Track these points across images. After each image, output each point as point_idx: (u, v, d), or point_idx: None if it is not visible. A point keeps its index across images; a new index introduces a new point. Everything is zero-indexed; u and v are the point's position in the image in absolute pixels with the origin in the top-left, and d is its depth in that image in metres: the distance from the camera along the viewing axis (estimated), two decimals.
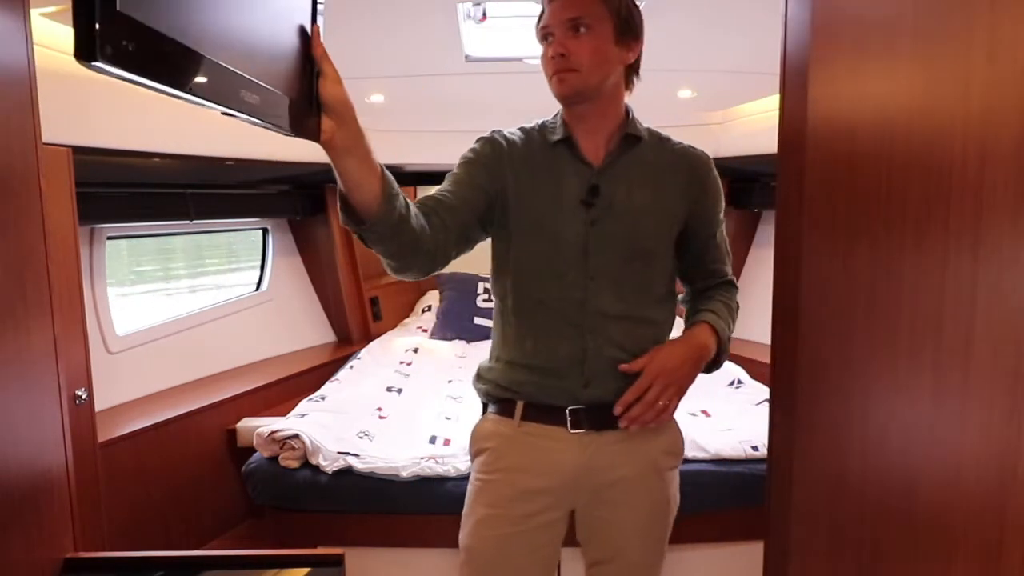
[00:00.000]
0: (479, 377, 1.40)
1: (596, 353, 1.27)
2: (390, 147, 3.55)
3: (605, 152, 1.30)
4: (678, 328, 1.38)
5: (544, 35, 1.26)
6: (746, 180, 3.75)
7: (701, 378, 3.20)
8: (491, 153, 1.30)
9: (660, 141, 1.36)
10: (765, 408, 2.28)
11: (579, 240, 1.26)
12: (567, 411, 1.28)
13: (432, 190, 1.29)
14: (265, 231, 3.78)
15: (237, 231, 3.75)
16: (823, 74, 0.82)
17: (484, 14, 2.03)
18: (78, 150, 1.99)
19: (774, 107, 1.23)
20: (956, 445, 0.58)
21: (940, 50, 0.60)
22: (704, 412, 2.52)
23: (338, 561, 1.12)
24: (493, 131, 1.35)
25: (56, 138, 1.88)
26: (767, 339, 1.04)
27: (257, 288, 3.75)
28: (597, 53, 1.23)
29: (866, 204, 0.72)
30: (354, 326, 4.02)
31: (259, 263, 3.80)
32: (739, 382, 2.87)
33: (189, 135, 2.55)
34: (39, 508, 1.06)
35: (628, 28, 1.27)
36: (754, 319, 3.84)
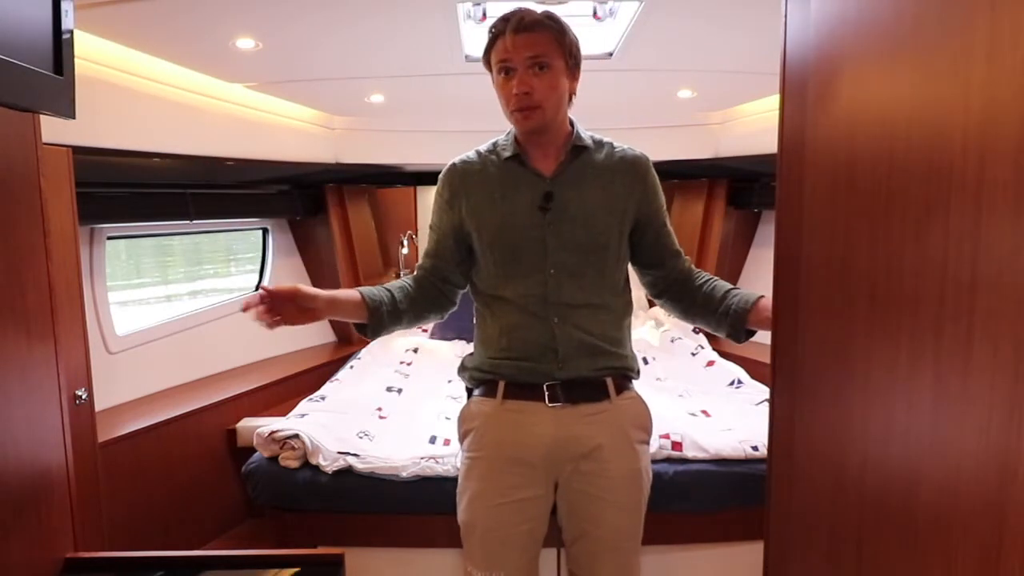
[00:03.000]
0: (463, 367, 1.55)
1: (565, 338, 1.41)
2: (390, 147, 3.55)
3: (556, 163, 1.43)
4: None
5: (503, 68, 1.36)
6: (746, 180, 3.74)
7: (701, 378, 3.18)
8: (448, 192, 1.48)
9: (603, 146, 1.48)
10: (765, 408, 2.28)
11: (538, 241, 1.40)
12: (544, 387, 1.41)
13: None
14: (265, 231, 3.78)
15: (237, 231, 3.75)
16: (823, 74, 0.82)
17: (484, 14, 2.03)
18: (78, 150, 1.99)
19: (774, 107, 1.24)
20: (956, 445, 0.58)
21: (940, 50, 0.60)
22: (704, 412, 2.51)
23: (338, 561, 1.12)
24: (452, 162, 1.50)
25: (56, 138, 1.88)
26: (767, 339, 1.04)
27: (257, 288, 3.75)
28: (555, 90, 1.37)
29: (866, 204, 0.72)
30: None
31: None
32: (739, 382, 2.87)
33: (189, 135, 2.55)
34: (39, 508, 1.06)
35: (575, 62, 1.41)
36: None
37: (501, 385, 1.44)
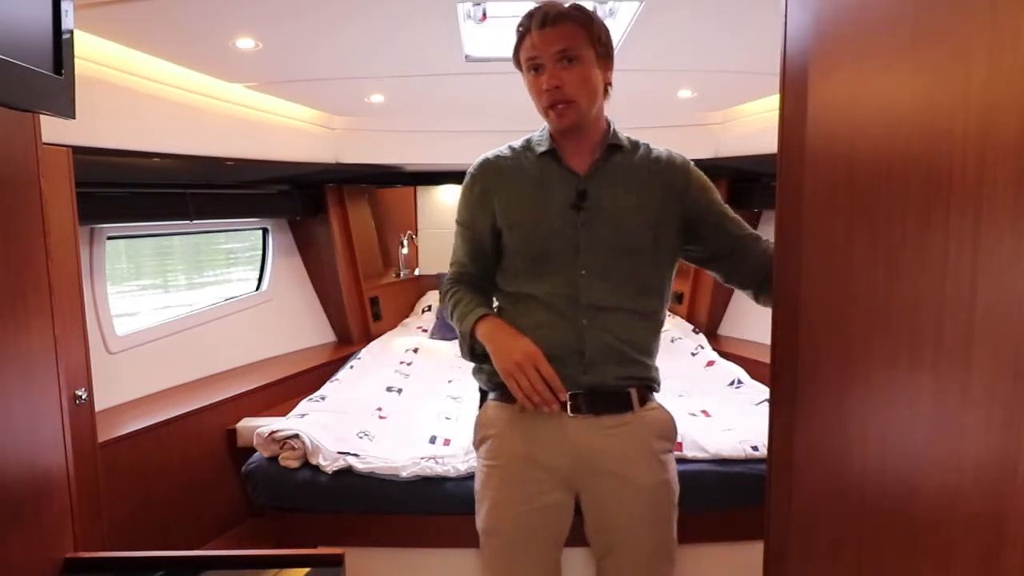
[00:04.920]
0: (480, 369, 1.47)
1: (593, 341, 1.35)
2: (390, 147, 3.55)
3: (591, 161, 1.39)
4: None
5: (533, 65, 1.33)
6: (746, 180, 3.74)
7: (701, 378, 3.19)
8: (480, 188, 1.44)
9: (638, 147, 1.44)
10: (765, 408, 2.27)
11: (570, 240, 1.35)
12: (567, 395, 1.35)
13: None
14: (265, 231, 3.78)
15: (237, 231, 3.75)
16: (823, 74, 0.82)
17: (484, 14, 2.03)
18: (78, 150, 1.99)
19: (774, 107, 1.24)
20: (956, 446, 0.58)
21: (940, 50, 0.60)
22: (704, 412, 2.51)
23: (338, 561, 1.12)
24: (483, 157, 1.46)
25: (56, 138, 1.88)
26: (767, 339, 1.04)
27: (257, 288, 3.75)
28: (587, 83, 1.32)
29: (866, 204, 0.72)
30: (354, 326, 4.02)
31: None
32: (739, 382, 2.87)
33: (189, 135, 2.55)
34: (39, 508, 1.06)
35: (606, 52, 1.35)
36: (754, 319, 3.86)
37: None
